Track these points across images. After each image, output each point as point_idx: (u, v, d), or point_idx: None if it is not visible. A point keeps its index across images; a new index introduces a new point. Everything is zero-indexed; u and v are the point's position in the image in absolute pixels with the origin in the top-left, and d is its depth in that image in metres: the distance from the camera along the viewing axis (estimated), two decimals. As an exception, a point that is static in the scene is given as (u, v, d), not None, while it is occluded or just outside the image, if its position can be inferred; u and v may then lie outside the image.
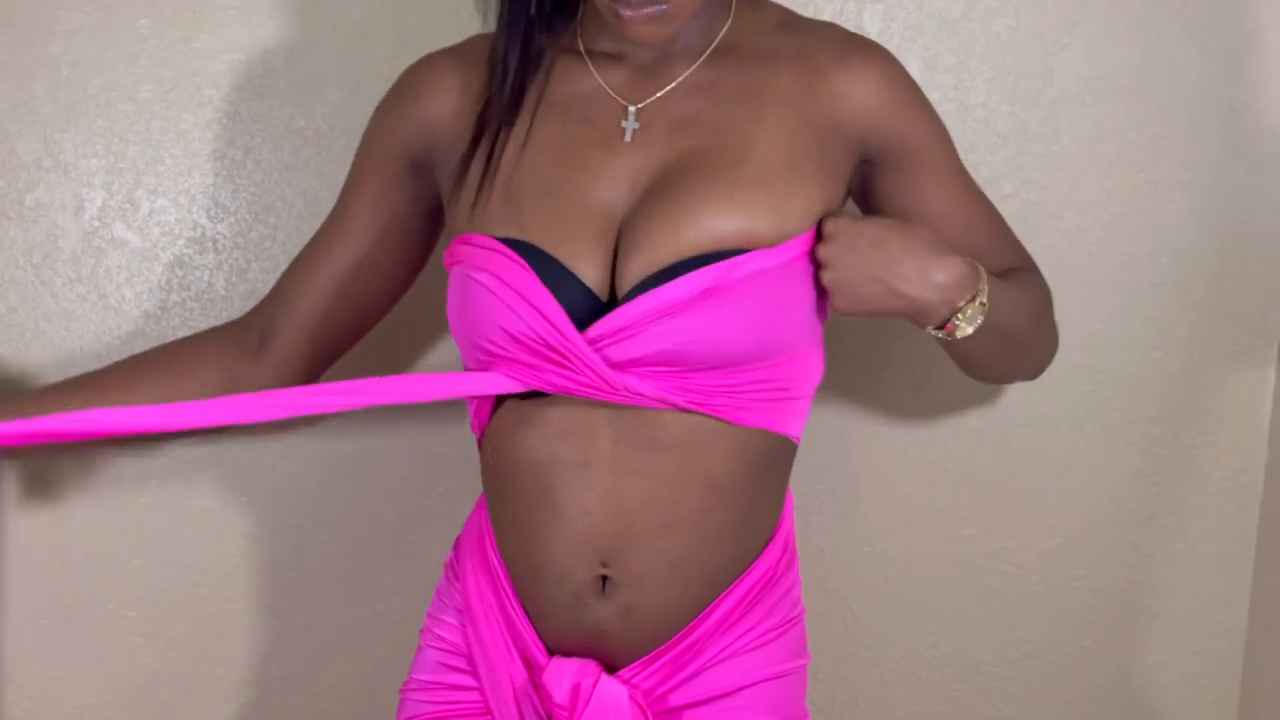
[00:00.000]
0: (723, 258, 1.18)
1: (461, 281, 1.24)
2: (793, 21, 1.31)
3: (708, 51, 1.26)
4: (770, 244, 1.20)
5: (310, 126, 1.57)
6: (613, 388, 1.19)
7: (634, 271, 1.20)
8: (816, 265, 1.22)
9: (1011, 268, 1.38)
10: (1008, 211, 1.64)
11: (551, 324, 1.19)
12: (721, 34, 1.27)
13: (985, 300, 1.22)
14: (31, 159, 1.54)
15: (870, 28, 1.60)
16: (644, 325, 1.18)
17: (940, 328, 1.23)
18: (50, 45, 1.52)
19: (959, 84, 1.61)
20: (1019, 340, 1.34)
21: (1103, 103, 1.62)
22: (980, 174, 1.62)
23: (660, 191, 1.21)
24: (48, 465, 1.58)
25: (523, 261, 1.20)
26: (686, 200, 1.20)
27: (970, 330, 1.22)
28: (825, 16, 1.58)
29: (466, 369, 1.29)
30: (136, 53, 1.54)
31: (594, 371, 1.19)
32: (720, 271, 1.18)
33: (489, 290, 1.21)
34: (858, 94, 1.26)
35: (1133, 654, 1.72)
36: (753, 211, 1.20)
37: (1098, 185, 1.64)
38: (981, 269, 1.24)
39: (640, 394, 1.20)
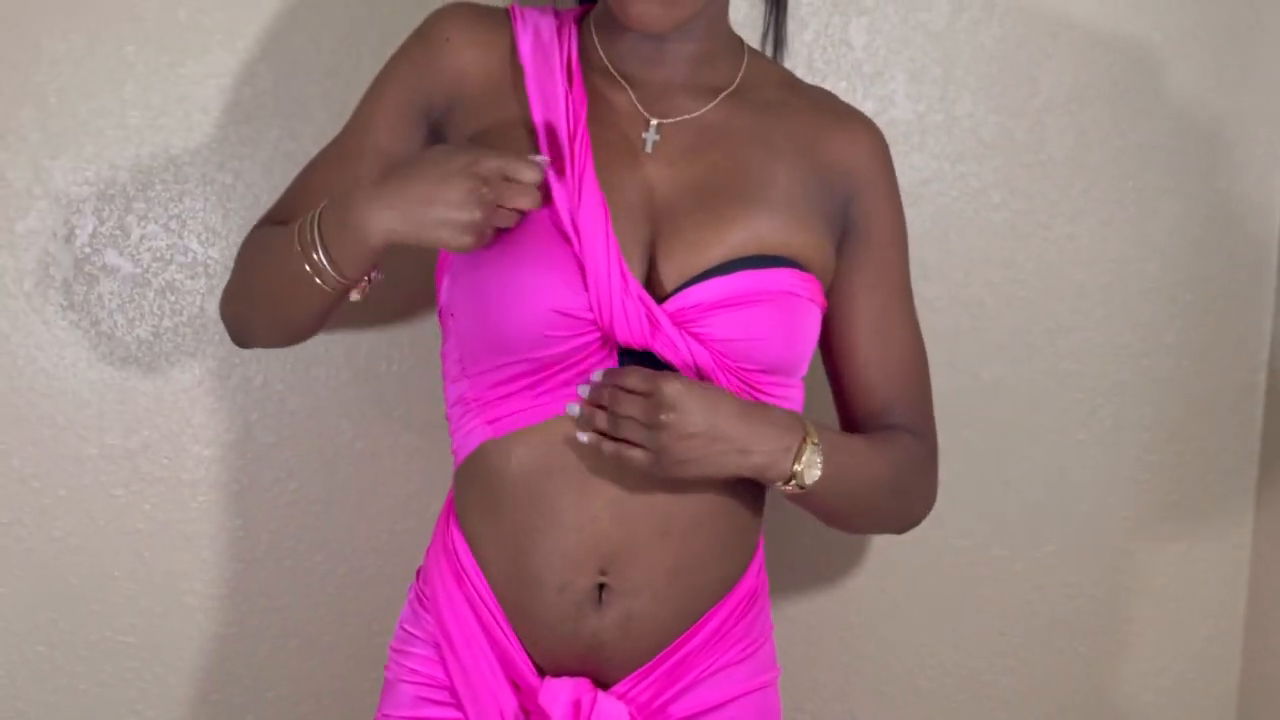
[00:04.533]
0: (768, 263, 1.22)
1: (498, 260, 1.21)
2: (794, 81, 1.37)
3: (726, 92, 1.30)
4: (805, 265, 1.25)
5: (299, 149, 1.57)
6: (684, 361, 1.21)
7: (674, 268, 1.22)
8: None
9: (898, 424, 1.34)
10: (996, 221, 1.64)
11: (630, 296, 1.19)
12: (738, 79, 1.31)
13: (817, 441, 1.21)
14: (21, 187, 1.54)
15: (856, 40, 1.60)
16: (708, 312, 1.21)
17: (786, 481, 1.21)
18: (36, 73, 1.53)
19: (945, 95, 1.62)
20: (871, 493, 1.30)
21: (1089, 111, 1.63)
22: (968, 184, 1.63)
23: (693, 200, 1.25)
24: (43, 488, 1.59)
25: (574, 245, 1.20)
26: (725, 208, 1.24)
27: (816, 474, 1.21)
28: (810, 31, 1.59)
29: (462, 377, 1.27)
30: (124, 79, 1.54)
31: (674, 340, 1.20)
32: (778, 278, 1.22)
33: (541, 266, 1.20)
34: (852, 156, 1.31)
35: (1129, 660, 1.72)
36: (788, 229, 1.25)
37: (1085, 193, 1.65)
38: (805, 421, 1.22)
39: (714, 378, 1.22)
